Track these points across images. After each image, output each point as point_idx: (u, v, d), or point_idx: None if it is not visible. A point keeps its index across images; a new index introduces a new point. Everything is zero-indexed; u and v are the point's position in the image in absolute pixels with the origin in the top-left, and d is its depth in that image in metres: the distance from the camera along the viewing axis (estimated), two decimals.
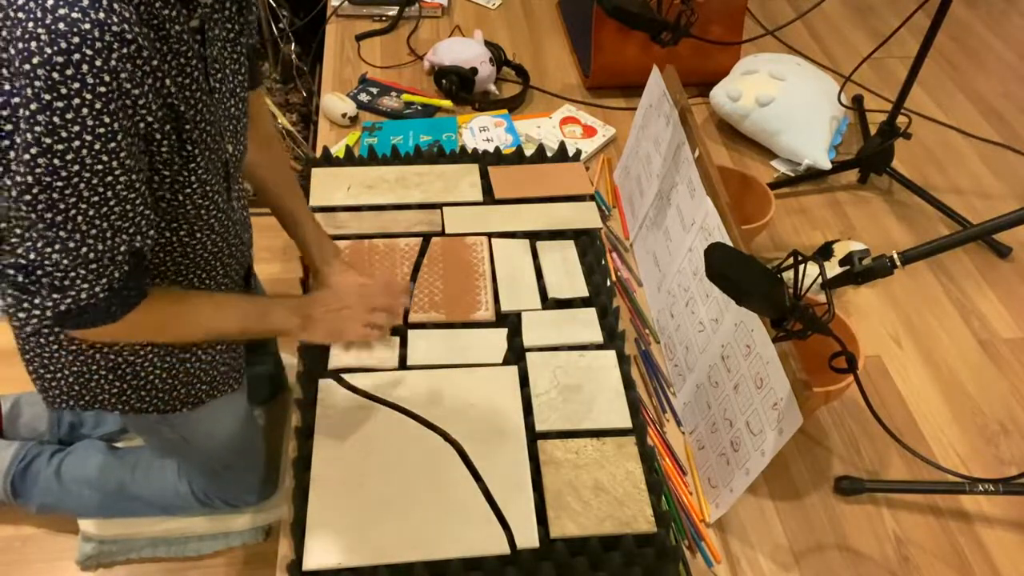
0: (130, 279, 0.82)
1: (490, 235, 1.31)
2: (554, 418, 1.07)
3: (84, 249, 0.76)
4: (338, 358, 1.11)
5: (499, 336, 1.17)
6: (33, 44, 0.65)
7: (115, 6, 0.68)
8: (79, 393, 1.06)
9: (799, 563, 0.99)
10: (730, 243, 1.00)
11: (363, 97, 1.62)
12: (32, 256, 0.75)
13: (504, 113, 1.59)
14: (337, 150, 1.48)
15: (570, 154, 1.48)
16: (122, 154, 0.73)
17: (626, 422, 1.06)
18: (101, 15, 0.66)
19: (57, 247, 0.75)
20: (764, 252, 1.41)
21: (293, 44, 2.20)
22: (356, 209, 1.34)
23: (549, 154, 1.48)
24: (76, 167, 0.70)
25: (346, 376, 1.10)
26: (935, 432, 1.15)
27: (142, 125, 0.75)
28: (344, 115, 1.54)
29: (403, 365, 1.12)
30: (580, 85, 1.73)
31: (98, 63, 0.67)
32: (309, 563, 0.91)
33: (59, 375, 1.04)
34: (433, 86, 1.65)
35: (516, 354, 1.14)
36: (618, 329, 1.18)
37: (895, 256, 0.91)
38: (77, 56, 0.66)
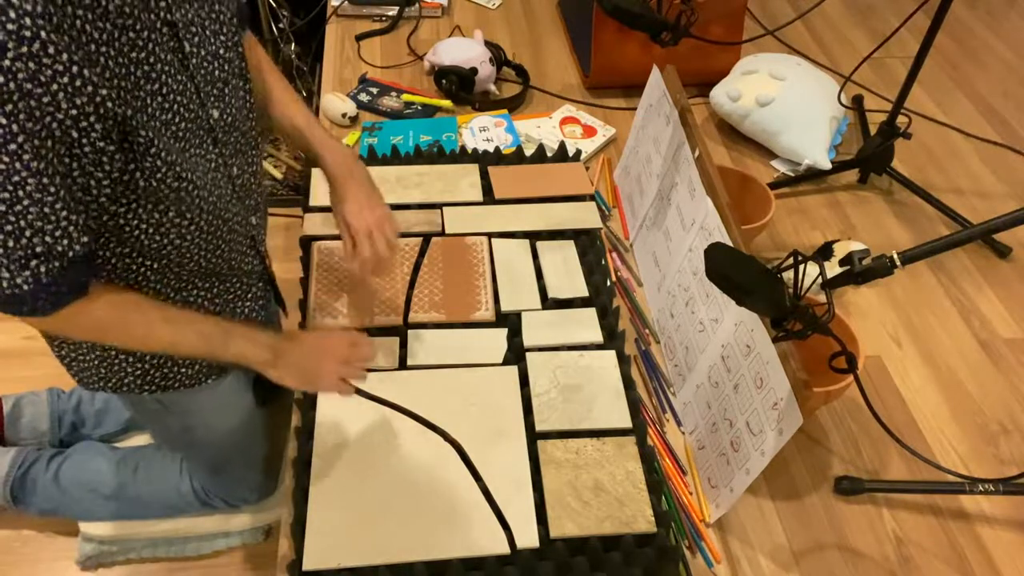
0: (62, 276, 0.78)
1: (490, 235, 1.31)
2: (554, 418, 1.07)
3: None
4: None
5: (499, 336, 1.17)
6: None
7: (13, 0, 0.63)
8: (106, 375, 1.05)
9: (799, 563, 0.99)
10: (730, 243, 1.00)
11: (363, 97, 1.62)
12: None
13: (504, 113, 1.59)
14: None
15: (570, 154, 1.48)
16: (24, 156, 0.69)
17: (626, 422, 1.06)
18: None
19: None
20: (764, 252, 1.41)
21: (293, 44, 2.20)
22: None
23: (549, 154, 1.48)
24: None
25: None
26: (935, 432, 1.15)
27: (54, 126, 0.70)
28: (344, 115, 1.54)
29: (403, 365, 1.12)
30: (580, 85, 1.73)
31: None
32: (309, 563, 0.91)
33: (87, 359, 1.03)
34: (433, 86, 1.65)
35: (516, 354, 1.14)
36: (618, 329, 1.18)
37: (895, 256, 0.90)
38: None
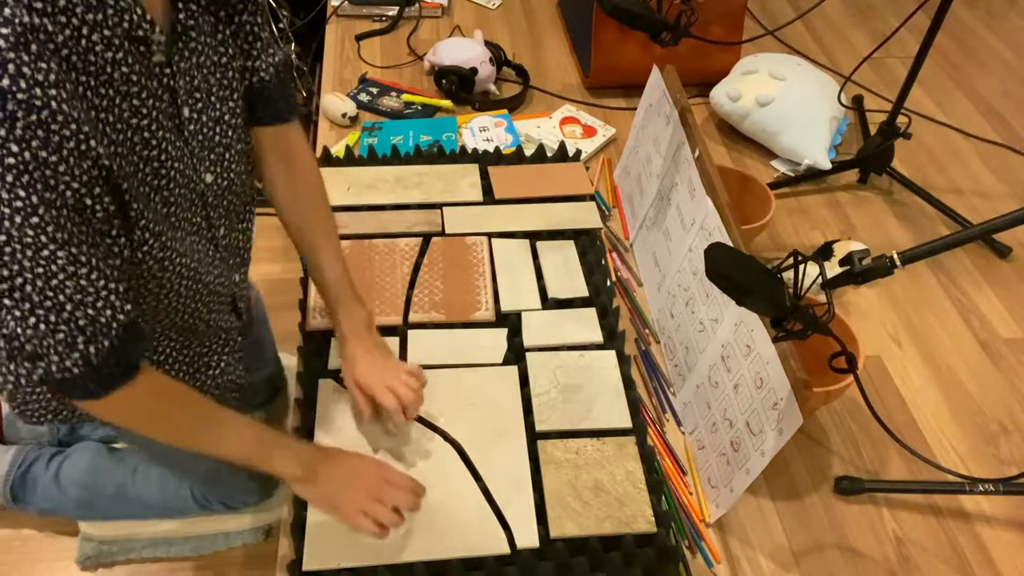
0: (112, 356, 0.76)
1: (490, 235, 1.31)
2: (554, 418, 1.07)
3: (38, 319, 0.71)
4: (338, 359, 1.11)
5: (499, 336, 1.17)
6: None
7: (24, 70, 0.63)
8: (56, 408, 1.03)
9: (799, 563, 0.99)
10: (730, 243, 1.00)
11: (363, 97, 1.62)
12: None
13: (504, 113, 1.59)
14: (337, 150, 1.48)
15: (570, 154, 1.48)
16: (49, 228, 0.68)
17: (626, 422, 1.06)
18: (5, 82, 0.62)
19: (16, 314, 0.71)
20: (764, 252, 1.41)
21: (293, 44, 2.20)
22: (356, 209, 1.34)
23: (549, 154, 1.48)
24: (3, 237, 0.66)
25: None
26: (935, 432, 1.15)
27: (68, 194, 0.69)
28: (344, 115, 1.54)
29: None
30: (580, 85, 1.73)
31: (2, 134, 0.63)
32: (309, 563, 0.91)
33: (37, 389, 1.01)
34: (433, 86, 1.65)
35: (516, 354, 1.14)
36: (618, 329, 1.18)
37: (895, 256, 0.90)
38: None
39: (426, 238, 1.30)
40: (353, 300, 1.05)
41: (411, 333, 1.16)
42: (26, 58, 0.63)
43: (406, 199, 1.35)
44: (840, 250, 1.33)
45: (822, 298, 0.87)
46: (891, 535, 1.02)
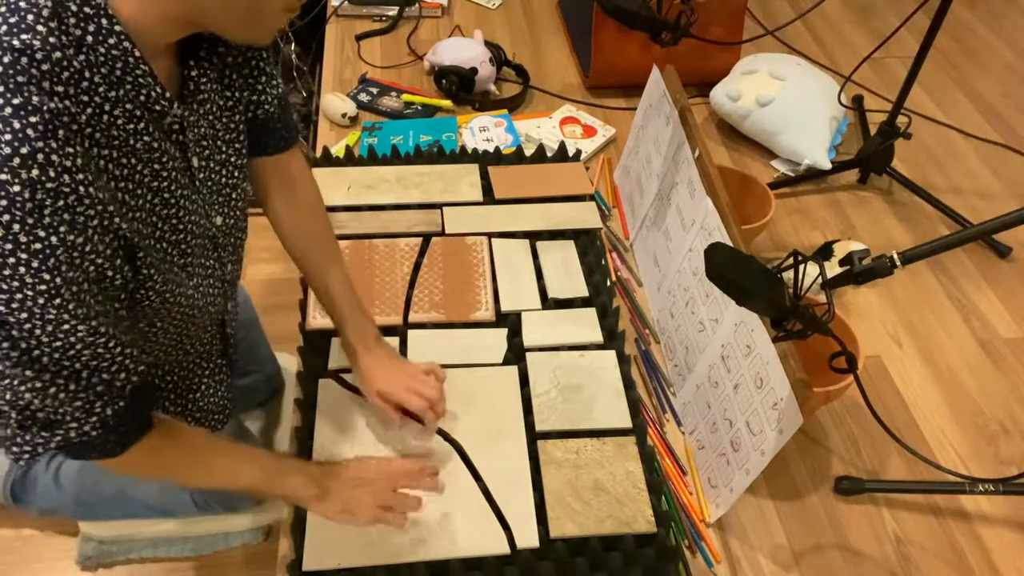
0: (127, 414, 0.78)
1: (490, 235, 1.31)
2: (554, 418, 1.07)
3: (58, 388, 0.72)
4: (338, 359, 1.11)
5: (499, 336, 1.16)
6: None
7: (53, 158, 0.63)
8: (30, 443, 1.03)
9: (799, 563, 0.99)
10: (730, 243, 1.00)
11: (363, 97, 1.62)
12: (8, 396, 0.71)
13: (504, 113, 1.59)
14: (337, 150, 1.48)
15: (570, 154, 1.48)
16: (71, 306, 0.68)
17: (626, 422, 1.06)
18: (35, 172, 0.62)
19: (31, 386, 0.71)
20: (764, 252, 1.41)
21: (293, 44, 2.20)
22: (356, 209, 1.34)
23: (549, 154, 1.48)
24: (25, 315, 0.66)
25: (346, 376, 1.10)
26: (935, 432, 1.15)
27: (91, 269, 0.70)
28: (344, 115, 1.54)
29: None
30: (580, 85, 1.73)
31: (30, 222, 0.63)
32: (309, 563, 0.91)
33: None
34: (433, 86, 1.65)
35: (516, 354, 1.14)
36: (618, 329, 1.18)
37: (895, 256, 0.90)
38: (7, 217, 0.61)
39: (426, 238, 1.30)
40: (360, 316, 1.06)
41: (411, 333, 1.16)
42: (54, 145, 0.63)
43: (406, 199, 1.35)
44: (840, 250, 1.33)
45: (822, 298, 0.87)
46: (891, 535, 1.02)
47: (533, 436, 1.05)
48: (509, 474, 1.00)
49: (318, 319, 1.16)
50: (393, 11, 1.85)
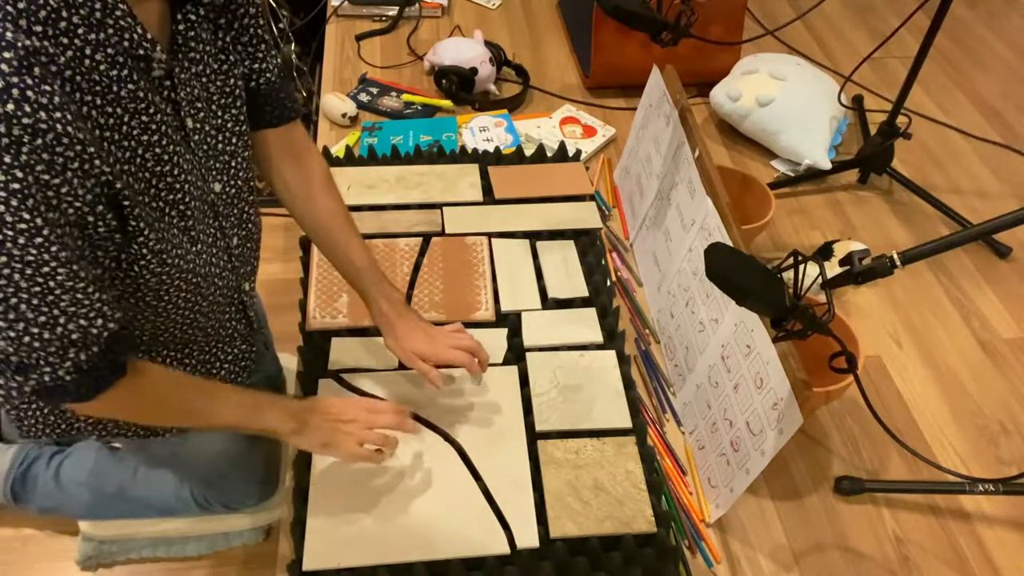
0: (102, 359, 0.77)
1: (490, 235, 1.31)
2: (554, 418, 1.07)
3: (32, 336, 0.71)
4: (338, 359, 1.11)
5: (499, 336, 1.16)
6: None
7: (29, 94, 0.62)
8: (55, 423, 1.03)
9: (799, 563, 0.99)
10: (730, 243, 1.00)
11: (363, 97, 1.62)
12: None
13: (504, 113, 1.59)
14: (337, 150, 1.48)
15: (570, 154, 1.48)
16: (52, 248, 0.68)
17: (626, 422, 1.06)
18: (10, 107, 0.61)
19: (5, 334, 0.70)
20: (764, 252, 1.41)
21: (293, 44, 2.20)
22: (356, 209, 1.33)
23: (549, 154, 1.48)
24: (4, 258, 0.66)
25: (346, 376, 1.10)
26: (935, 432, 1.15)
27: (71, 212, 0.69)
28: (344, 115, 1.54)
29: (403, 365, 1.12)
30: (580, 85, 1.73)
31: (7, 160, 0.62)
32: (309, 563, 0.91)
33: (33, 405, 1.01)
34: (433, 86, 1.65)
35: (516, 354, 1.14)
36: (618, 329, 1.18)
37: (895, 256, 0.90)
38: None
39: (426, 238, 1.30)
40: (387, 283, 1.06)
41: None
42: (30, 81, 0.63)
43: (406, 199, 1.35)
44: (840, 250, 1.33)
45: (822, 298, 0.87)
46: (891, 535, 1.02)
47: (533, 436, 1.05)
48: (509, 474, 1.00)
49: (318, 319, 1.16)
50: (393, 11, 1.85)
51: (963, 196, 1.56)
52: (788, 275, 0.83)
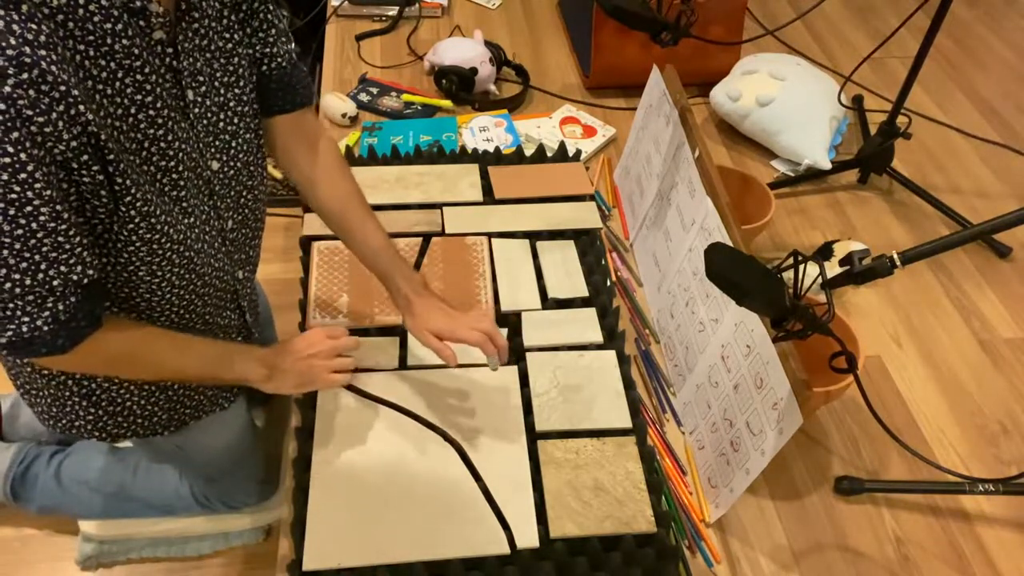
0: (79, 310, 0.77)
1: (490, 235, 1.31)
2: (554, 418, 1.07)
3: (13, 283, 0.71)
4: None
5: None
6: None
7: (14, 27, 0.63)
8: (57, 416, 1.03)
9: (799, 563, 0.99)
10: (730, 243, 1.00)
11: (363, 97, 1.62)
12: None
13: (504, 113, 1.59)
14: None
15: (570, 154, 1.48)
16: (36, 185, 0.68)
17: (626, 422, 1.06)
18: None
19: None
20: (764, 252, 1.41)
21: (293, 44, 2.20)
22: None
23: (549, 154, 1.48)
24: None
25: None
26: (935, 432, 1.15)
27: (56, 153, 0.69)
28: (344, 115, 1.54)
29: (403, 365, 1.12)
30: (580, 85, 1.73)
31: None
32: (309, 563, 0.91)
33: (39, 396, 1.02)
34: (433, 86, 1.65)
35: (516, 354, 1.14)
36: (618, 329, 1.18)
37: (895, 256, 0.90)
38: None
39: (426, 238, 1.30)
40: (406, 265, 1.06)
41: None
42: (16, 16, 0.64)
43: (406, 199, 1.35)
44: (840, 250, 1.33)
45: (822, 298, 0.87)
46: (891, 535, 1.02)
47: (533, 436, 1.05)
48: (509, 474, 1.00)
49: (318, 319, 1.16)
50: (393, 11, 1.85)
51: (963, 196, 1.56)
52: (788, 275, 0.83)
